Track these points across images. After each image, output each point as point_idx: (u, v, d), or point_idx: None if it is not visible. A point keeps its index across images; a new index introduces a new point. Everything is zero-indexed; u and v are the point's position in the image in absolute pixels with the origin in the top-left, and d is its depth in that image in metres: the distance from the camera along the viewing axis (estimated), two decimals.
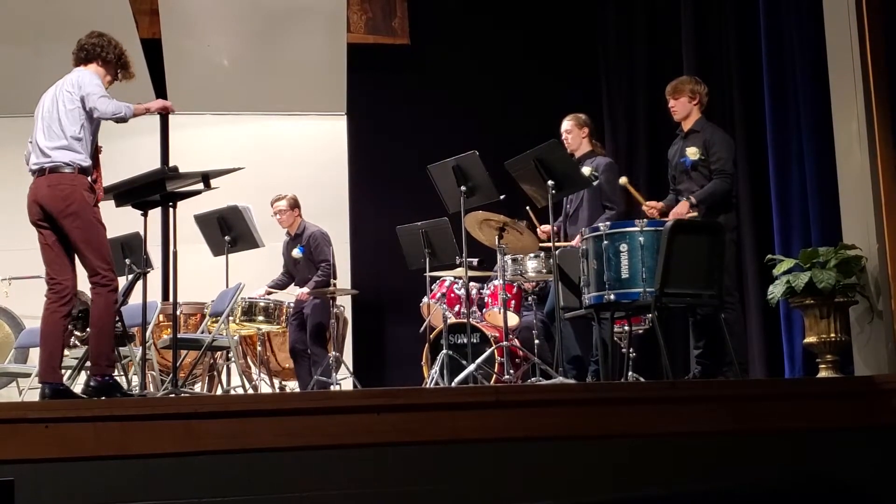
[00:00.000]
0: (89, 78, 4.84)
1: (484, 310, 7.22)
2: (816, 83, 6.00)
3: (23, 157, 5.01)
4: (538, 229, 6.15)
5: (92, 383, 4.65)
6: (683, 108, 5.70)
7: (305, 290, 7.18)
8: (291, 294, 7.42)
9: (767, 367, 6.71)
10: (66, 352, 6.39)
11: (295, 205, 7.46)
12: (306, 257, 7.34)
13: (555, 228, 5.63)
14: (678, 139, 5.76)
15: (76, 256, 4.78)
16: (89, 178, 4.81)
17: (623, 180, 5.80)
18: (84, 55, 4.95)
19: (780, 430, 4.21)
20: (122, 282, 6.12)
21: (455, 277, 7.13)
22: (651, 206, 5.65)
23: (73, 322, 5.78)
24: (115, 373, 6.74)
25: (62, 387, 4.70)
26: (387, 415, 4.01)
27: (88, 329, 4.90)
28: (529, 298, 6.90)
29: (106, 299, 4.71)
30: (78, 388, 5.55)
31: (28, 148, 4.95)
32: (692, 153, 5.57)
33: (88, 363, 5.01)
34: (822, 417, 4.24)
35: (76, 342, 6.21)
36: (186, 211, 6.02)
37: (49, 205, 4.71)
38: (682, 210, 5.44)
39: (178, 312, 5.42)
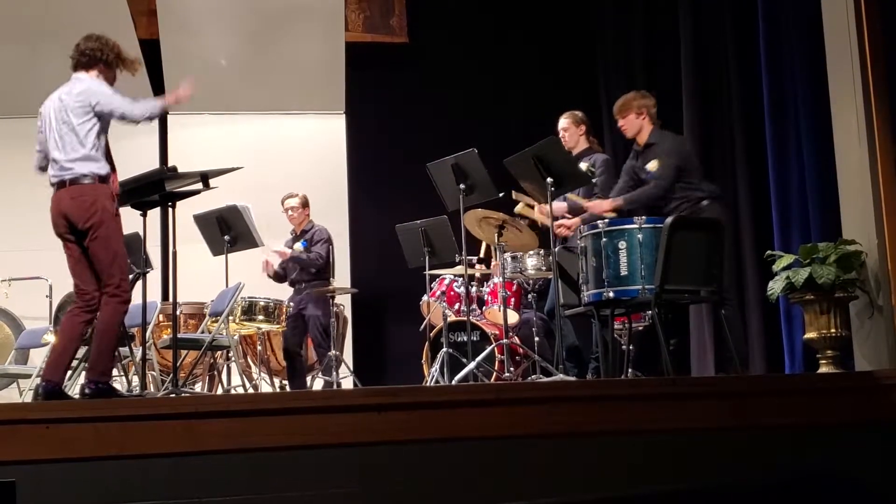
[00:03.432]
0: (101, 87, 4.82)
1: (484, 307, 7.22)
2: (815, 79, 5.99)
3: (22, 157, 5.00)
4: (536, 209, 6.11)
5: (87, 391, 4.65)
6: (632, 125, 5.74)
7: (284, 249, 7.20)
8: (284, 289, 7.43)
9: (767, 363, 6.71)
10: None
11: (306, 203, 7.48)
12: (306, 251, 7.32)
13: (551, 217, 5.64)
14: (634, 153, 5.81)
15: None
16: (110, 187, 4.81)
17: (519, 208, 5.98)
18: (86, 60, 4.91)
19: (780, 425, 4.22)
20: None
21: (454, 275, 7.13)
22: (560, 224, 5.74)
23: None
24: (118, 373, 6.77)
25: (58, 388, 4.70)
26: (387, 413, 4.01)
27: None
28: (529, 296, 6.90)
29: (115, 309, 4.71)
30: (77, 388, 5.55)
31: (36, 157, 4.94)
32: (652, 166, 5.63)
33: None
34: (822, 413, 4.24)
35: None
36: (186, 211, 6.02)
37: (73, 215, 4.71)
38: (604, 206, 5.54)
39: (177, 312, 5.42)
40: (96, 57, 4.92)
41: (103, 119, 4.81)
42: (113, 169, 4.87)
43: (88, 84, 4.85)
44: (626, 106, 5.73)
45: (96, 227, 4.69)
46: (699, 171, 5.75)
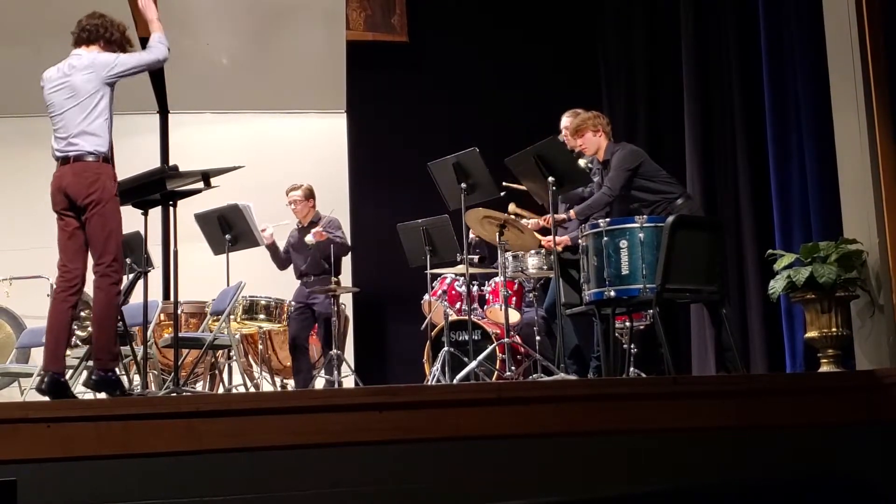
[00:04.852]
0: (105, 56, 4.80)
1: (485, 307, 7.22)
2: (816, 77, 5.99)
3: (24, 156, 5.00)
4: (539, 221, 6.15)
5: (94, 377, 4.66)
6: (591, 143, 5.87)
7: (320, 228, 7.11)
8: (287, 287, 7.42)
9: (768, 362, 6.72)
10: (67, 351, 6.40)
11: (310, 195, 7.41)
12: (318, 243, 7.27)
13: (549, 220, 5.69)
14: (599, 171, 5.90)
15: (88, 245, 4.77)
16: (113, 168, 4.80)
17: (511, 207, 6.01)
18: (86, 35, 4.89)
19: (781, 424, 4.21)
20: (124, 281, 6.13)
21: (456, 274, 7.13)
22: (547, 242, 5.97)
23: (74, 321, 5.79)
24: (119, 372, 6.77)
25: (62, 378, 4.69)
26: (388, 412, 4.01)
27: (90, 325, 4.89)
28: (531, 295, 6.91)
29: (108, 293, 4.70)
30: (78, 387, 5.56)
31: None
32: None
33: (90, 361, 5.00)
34: (823, 412, 4.24)
35: (77, 342, 6.21)
36: (187, 210, 6.02)
37: (74, 192, 4.69)
38: (561, 241, 5.76)
39: (178, 311, 5.42)
40: (98, 33, 4.90)
41: (110, 93, 4.79)
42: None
43: (94, 58, 4.81)
44: (582, 127, 5.88)
45: (95, 204, 4.67)
46: (661, 172, 5.80)
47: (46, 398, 4.61)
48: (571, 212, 5.80)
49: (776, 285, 5.17)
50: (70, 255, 4.76)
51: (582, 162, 5.95)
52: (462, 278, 6.94)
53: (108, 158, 4.77)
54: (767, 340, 6.78)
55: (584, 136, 5.84)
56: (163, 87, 8.81)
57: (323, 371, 7.19)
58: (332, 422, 3.98)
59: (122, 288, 5.94)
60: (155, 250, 7.75)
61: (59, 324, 4.72)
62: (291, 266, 7.46)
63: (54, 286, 4.80)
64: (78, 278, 4.75)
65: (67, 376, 6.19)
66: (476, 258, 7.18)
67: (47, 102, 4.84)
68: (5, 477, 3.72)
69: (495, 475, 4.03)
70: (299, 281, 7.36)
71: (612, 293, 4.99)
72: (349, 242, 7.49)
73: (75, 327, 6.04)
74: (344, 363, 7.20)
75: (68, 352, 6.41)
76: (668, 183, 5.78)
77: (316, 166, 8.81)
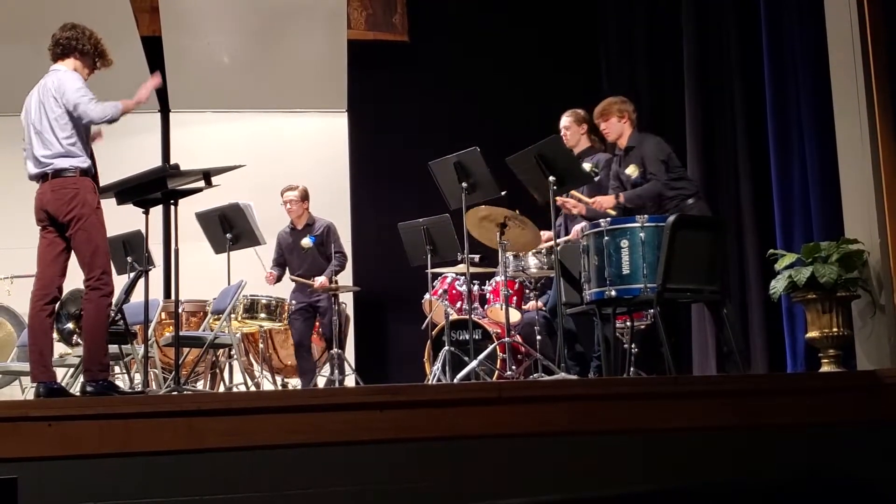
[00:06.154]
0: (71, 82, 4.76)
1: (486, 306, 7.22)
2: (818, 77, 5.99)
3: (23, 157, 5.00)
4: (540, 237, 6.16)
5: (88, 388, 4.64)
6: (614, 128, 5.81)
7: (323, 278, 7.17)
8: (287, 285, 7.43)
9: (769, 362, 6.72)
10: (69, 350, 6.41)
11: (305, 196, 7.44)
12: (316, 246, 7.31)
13: (556, 230, 5.66)
14: (618, 159, 5.87)
15: (76, 258, 4.76)
16: (92, 179, 4.79)
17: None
18: (60, 50, 4.88)
19: (781, 424, 4.21)
20: (125, 280, 6.14)
21: (456, 274, 7.13)
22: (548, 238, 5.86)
23: (75, 321, 5.78)
24: (120, 370, 6.78)
25: (56, 385, 4.69)
26: (389, 412, 4.01)
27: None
28: (532, 294, 6.90)
29: (97, 305, 4.68)
30: (78, 387, 5.56)
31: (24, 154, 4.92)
32: (632, 171, 5.71)
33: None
34: (824, 412, 4.24)
35: (79, 340, 6.21)
36: (188, 209, 6.03)
37: (54, 209, 4.69)
38: (606, 203, 5.61)
39: (179, 310, 5.42)
40: (71, 46, 4.88)
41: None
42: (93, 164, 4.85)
43: (60, 78, 4.80)
44: (608, 110, 5.82)
45: (77, 220, 4.67)
46: (681, 168, 5.79)
47: None
48: (621, 196, 5.63)
49: (777, 285, 5.17)
50: (47, 262, 4.76)
51: (587, 165, 5.94)
52: (462, 277, 6.94)
53: (86, 172, 4.75)
54: (768, 340, 6.78)
55: (609, 119, 5.78)
56: (164, 85, 8.81)
57: (325, 369, 7.20)
58: (333, 421, 3.98)
59: (123, 287, 5.96)
60: (156, 249, 7.75)
61: (41, 333, 4.72)
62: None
63: (31, 296, 4.78)
64: (54, 285, 4.75)
65: (69, 375, 6.22)
66: (477, 258, 7.19)
67: (25, 122, 4.83)
68: (6, 475, 3.72)
69: (495, 475, 4.03)
70: (294, 282, 7.38)
71: (613, 293, 4.99)
72: (344, 249, 7.50)
73: (73, 326, 6.04)
74: (345, 362, 7.20)
75: (69, 351, 6.43)
76: (687, 179, 5.75)
77: (316, 166, 8.82)
